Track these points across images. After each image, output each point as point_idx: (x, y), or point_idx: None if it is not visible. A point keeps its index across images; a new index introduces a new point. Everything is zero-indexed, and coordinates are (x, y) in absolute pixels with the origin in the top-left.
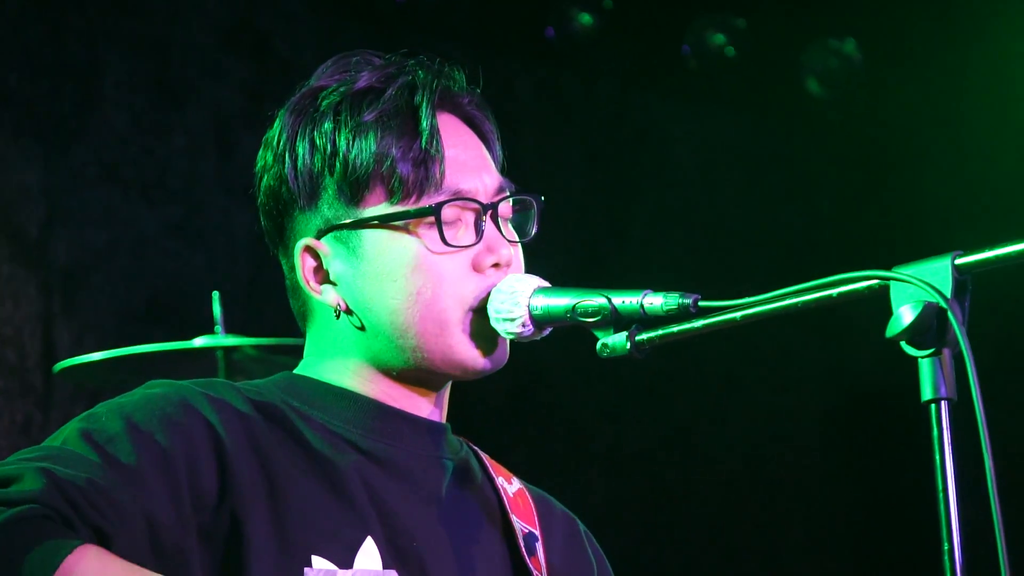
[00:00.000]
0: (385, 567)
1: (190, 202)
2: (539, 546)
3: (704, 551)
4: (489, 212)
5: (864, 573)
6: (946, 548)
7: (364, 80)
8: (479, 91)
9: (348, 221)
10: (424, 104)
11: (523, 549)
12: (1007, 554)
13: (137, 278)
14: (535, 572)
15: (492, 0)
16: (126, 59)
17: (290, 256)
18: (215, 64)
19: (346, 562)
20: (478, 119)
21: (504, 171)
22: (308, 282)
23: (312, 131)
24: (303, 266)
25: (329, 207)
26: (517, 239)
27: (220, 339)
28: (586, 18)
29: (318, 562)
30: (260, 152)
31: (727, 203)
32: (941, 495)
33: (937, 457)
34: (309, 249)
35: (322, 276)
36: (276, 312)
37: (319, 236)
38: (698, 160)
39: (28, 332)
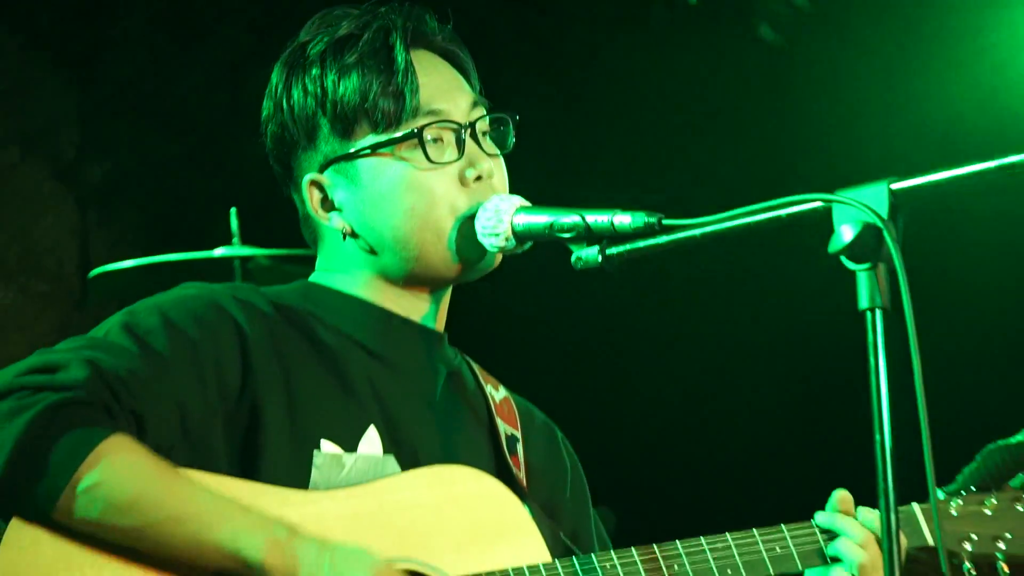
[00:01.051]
0: (385, 452)
1: (208, 130)
2: (519, 447)
3: (668, 458)
4: (468, 130)
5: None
6: (877, 440)
7: (344, 28)
8: (451, 29)
9: (343, 153)
10: (398, 42)
11: (505, 448)
12: (931, 448)
13: (163, 196)
14: (514, 468)
15: None
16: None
17: (299, 191)
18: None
19: (351, 446)
20: (451, 52)
21: (481, 95)
22: (317, 211)
23: (303, 78)
24: (311, 198)
25: (326, 143)
26: (497, 152)
27: (237, 250)
28: None
29: (326, 445)
30: (263, 104)
31: (690, 133)
32: (874, 393)
33: (872, 360)
34: (315, 183)
35: (328, 205)
36: (285, 227)
37: (321, 170)
38: (662, 94)
39: (66, 243)
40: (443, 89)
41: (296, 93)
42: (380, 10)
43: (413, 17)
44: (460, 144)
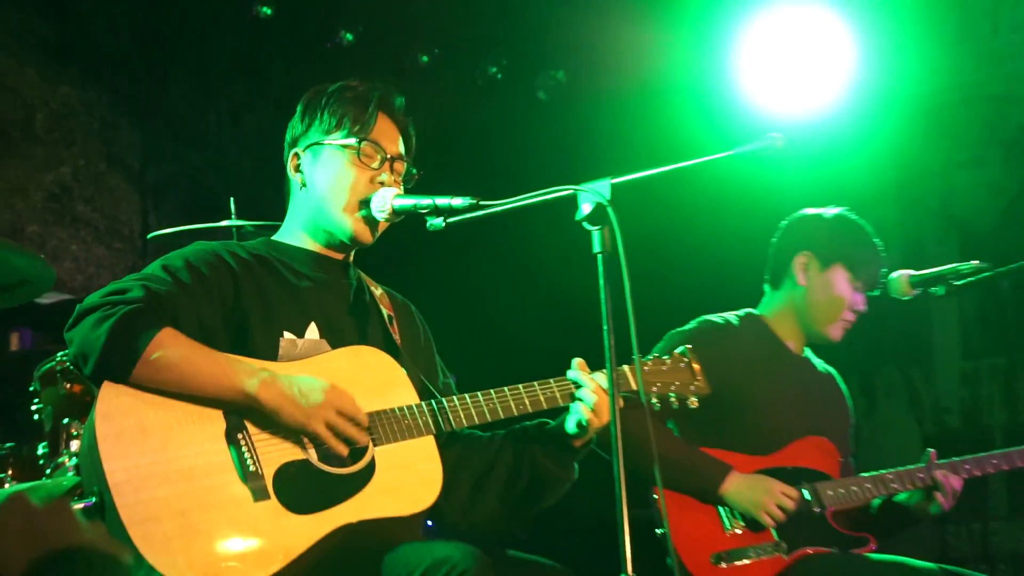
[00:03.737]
0: (321, 337)
1: (219, 150)
2: (395, 322)
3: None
4: (389, 161)
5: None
6: (605, 327)
7: (352, 83)
8: (407, 114)
9: (318, 141)
10: (375, 98)
11: (388, 324)
12: (637, 333)
13: (191, 191)
14: (394, 336)
15: None
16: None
17: (287, 160)
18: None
19: (301, 334)
20: (402, 124)
21: (409, 155)
22: (290, 169)
23: (318, 102)
24: (291, 161)
25: (314, 133)
26: (400, 182)
27: (233, 222)
28: None
29: (287, 334)
30: (292, 119)
31: (499, 153)
32: (603, 300)
33: (600, 280)
34: (296, 154)
35: (297, 168)
36: (264, 209)
37: (304, 148)
38: (481, 130)
39: (134, 219)
40: (387, 135)
41: (311, 109)
42: (376, 83)
43: (390, 94)
44: (382, 163)
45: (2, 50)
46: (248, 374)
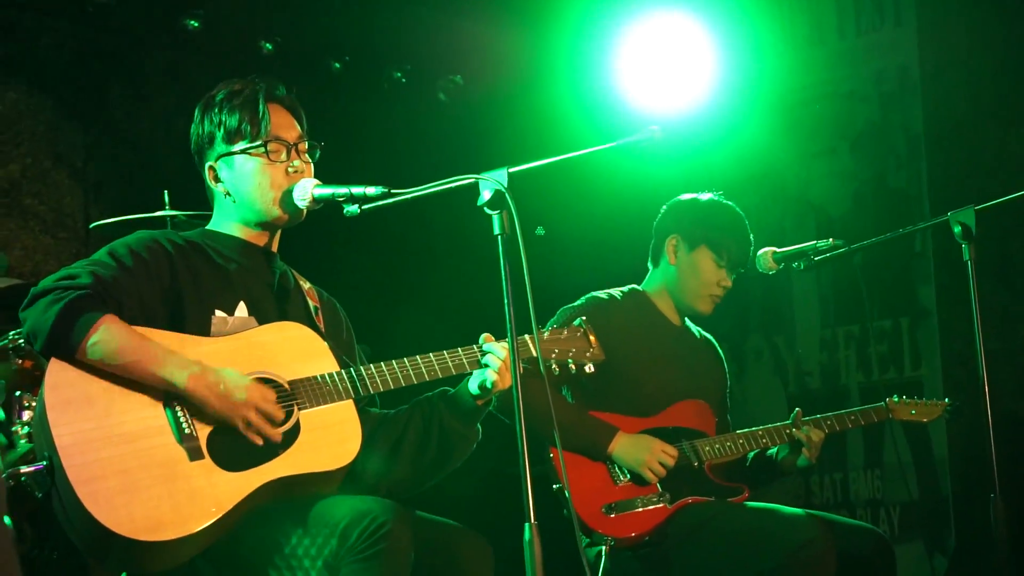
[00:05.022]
0: (250, 315)
1: (150, 147)
2: (320, 313)
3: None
4: (293, 147)
5: None
6: (506, 302)
7: (235, 86)
8: (292, 95)
9: (227, 152)
10: (260, 96)
11: (313, 314)
12: (535, 309)
13: (130, 185)
14: (319, 324)
15: None
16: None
17: (204, 171)
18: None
19: (231, 312)
20: (291, 106)
21: (304, 130)
22: (212, 182)
23: (211, 111)
24: (210, 175)
25: (219, 146)
26: (309, 160)
27: (168, 212)
28: None
29: (218, 312)
30: (191, 127)
31: (406, 149)
32: (503, 278)
33: (501, 260)
34: (211, 167)
35: (217, 179)
36: (194, 201)
37: (215, 160)
38: (389, 129)
39: (78, 211)
40: (282, 125)
41: (207, 119)
42: (255, 79)
43: (272, 85)
44: (288, 153)
45: None
46: (179, 367)
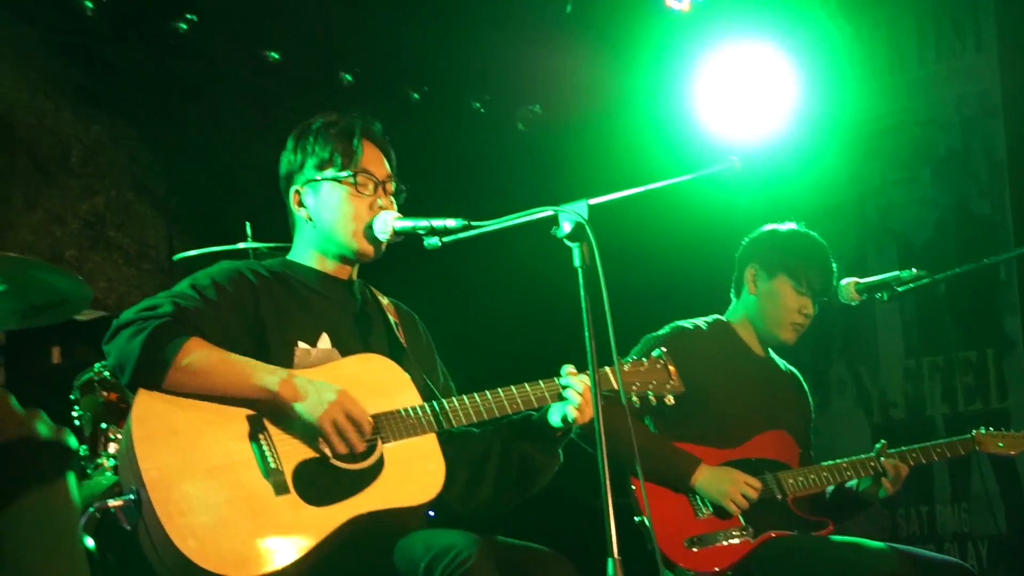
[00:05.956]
0: (332, 346)
1: (233, 177)
2: (400, 330)
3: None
4: (381, 184)
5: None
6: (587, 335)
7: (332, 118)
8: (386, 136)
9: (317, 178)
10: (357, 130)
11: (395, 331)
12: (615, 338)
13: (212, 217)
14: (401, 341)
15: None
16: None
17: (289, 196)
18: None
19: (314, 344)
20: (384, 146)
21: (394, 171)
22: (295, 206)
23: (307, 137)
24: (294, 199)
25: (308, 171)
26: (392, 200)
27: (250, 244)
28: None
29: (301, 344)
30: (284, 151)
31: (486, 180)
32: (584, 311)
33: (581, 292)
34: (297, 191)
35: (300, 204)
36: (276, 233)
37: (303, 184)
38: (469, 159)
39: (161, 243)
40: (373, 161)
41: (300, 145)
42: (354, 114)
43: (368, 122)
44: (375, 188)
45: (42, 95)
46: (269, 372)
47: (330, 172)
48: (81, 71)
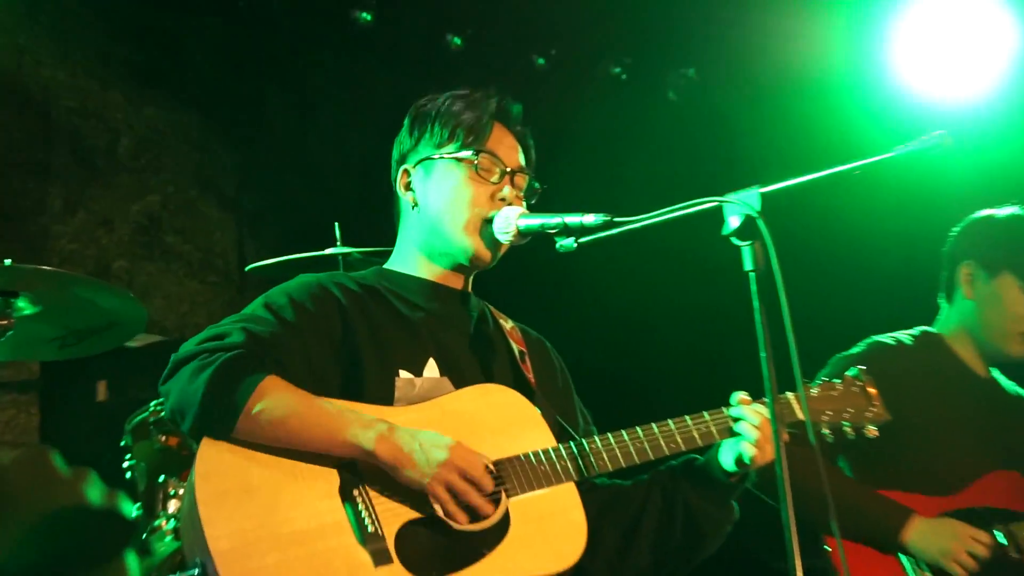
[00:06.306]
0: (441, 375)
1: (320, 173)
2: (526, 358)
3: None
4: (509, 174)
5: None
6: (763, 356)
7: (464, 91)
8: (526, 125)
9: (433, 156)
10: (492, 106)
11: (519, 360)
12: (798, 358)
13: (290, 216)
14: (526, 373)
15: None
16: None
17: (396, 176)
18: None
19: (419, 372)
20: (520, 134)
21: (532, 169)
22: (400, 187)
23: (430, 106)
24: (401, 179)
25: (424, 147)
26: (520, 196)
27: (340, 249)
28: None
29: (403, 373)
30: (400, 133)
31: (630, 162)
32: (758, 323)
33: (754, 301)
34: (406, 170)
35: (408, 186)
36: (372, 234)
37: (415, 164)
38: (610, 141)
39: (230, 249)
40: (504, 145)
41: (419, 120)
42: (489, 89)
43: (505, 100)
44: (501, 177)
45: (85, 73)
46: (363, 426)
47: (449, 148)
48: (133, 44)
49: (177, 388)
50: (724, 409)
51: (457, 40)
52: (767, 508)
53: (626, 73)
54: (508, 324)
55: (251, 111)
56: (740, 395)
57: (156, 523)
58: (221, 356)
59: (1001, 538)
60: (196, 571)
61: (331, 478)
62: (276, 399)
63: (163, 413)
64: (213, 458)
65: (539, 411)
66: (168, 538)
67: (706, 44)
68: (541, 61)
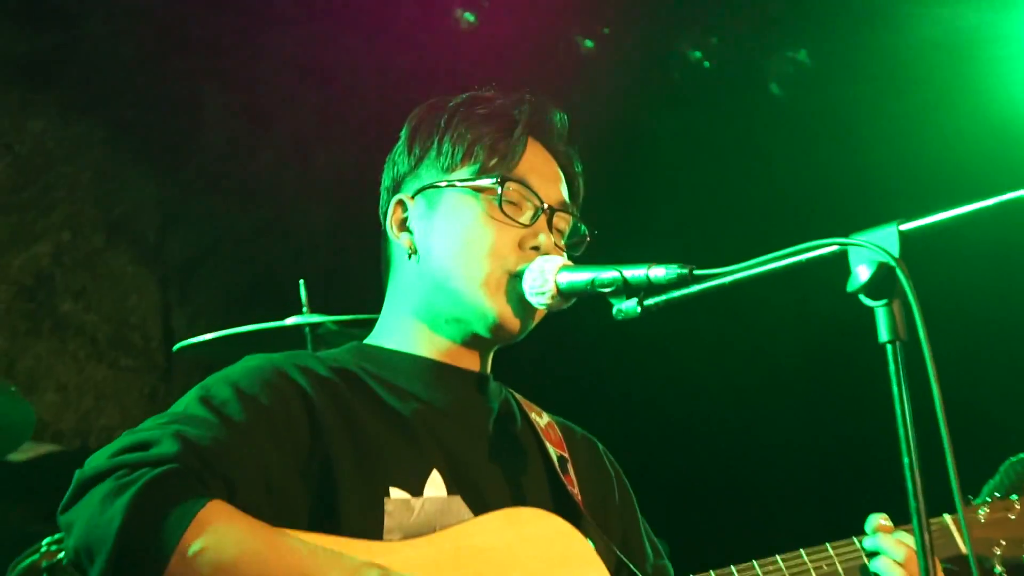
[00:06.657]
0: (450, 493)
1: (277, 206)
2: (569, 467)
3: (712, 489)
4: (546, 212)
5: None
6: (905, 461)
7: (487, 93)
8: (572, 144)
9: (440, 183)
10: (524, 117)
11: (558, 470)
12: (956, 465)
13: (237, 271)
14: (568, 487)
15: None
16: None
17: (387, 213)
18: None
19: (417, 490)
20: (563, 156)
21: (578, 206)
22: (392, 227)
23: (436, 116)
24: (393, 215)
25: (427, 170)
26: (561, 244)
27: (307, 318)
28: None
29: (395, 492)
30: (392, 152)
31: (711, 187)
32: (899, 418)
33: (895, 388)
34: (400, 202)
35: (403, 226)
36: (351, 294)
37: (414, 194)
38: (682, 155)
39: (151, 319)
40: (541, 173)
41: (421, 132)
42: (521, 93)
43: (543, 107)
44: (535, 216)
45: None
46: (345, 573)
47: (463, 173)
48: (14, 32)
49: (83, 519)
50: (855, 539)
51: (469, 16)
52: None
53: (710, 59)
54: (543, 419)
55: (180, 121)
56: (878, 519)
57: None
58: (145, 474)
59: None
60: None
61: None
62: (222, 534)
63: (61, 555)
64: None
65: (591, 544)
66: None
67: (821, 20)
68: (589, 44)
